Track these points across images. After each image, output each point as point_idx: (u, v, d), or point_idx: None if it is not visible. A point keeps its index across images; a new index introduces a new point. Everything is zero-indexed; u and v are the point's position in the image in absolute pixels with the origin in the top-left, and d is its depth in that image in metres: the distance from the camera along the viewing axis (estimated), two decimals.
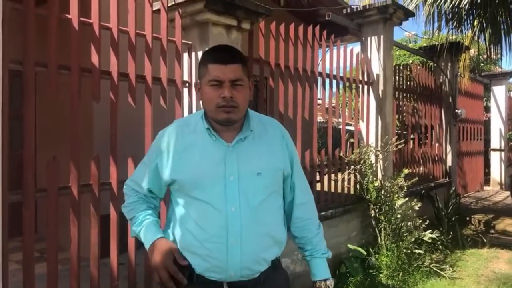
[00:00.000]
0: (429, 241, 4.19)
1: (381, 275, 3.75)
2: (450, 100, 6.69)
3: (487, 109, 10.50)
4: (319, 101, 4.52)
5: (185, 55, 2.87)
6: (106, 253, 2.37)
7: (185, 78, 2.84)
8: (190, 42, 2.86)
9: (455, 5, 5.11)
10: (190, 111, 2.85)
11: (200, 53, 2.83)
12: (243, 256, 1.31)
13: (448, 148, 6.73)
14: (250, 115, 1.42)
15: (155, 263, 1.31)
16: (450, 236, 4.76)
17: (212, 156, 1.34)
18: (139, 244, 2.45)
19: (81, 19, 2.23)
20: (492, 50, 5.68)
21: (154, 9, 2.59)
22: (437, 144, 6.54)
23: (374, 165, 4.38)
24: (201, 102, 1.39)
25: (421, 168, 5.97)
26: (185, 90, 2.85)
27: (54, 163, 2.13)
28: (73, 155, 2.21)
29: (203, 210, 1.31)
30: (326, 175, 4.01)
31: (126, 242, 2.42)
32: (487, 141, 9.55)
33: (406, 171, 4.43)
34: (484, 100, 9.73)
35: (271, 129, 1.46)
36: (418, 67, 6.12)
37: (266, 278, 1.37)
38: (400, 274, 3.75)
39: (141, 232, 1.41)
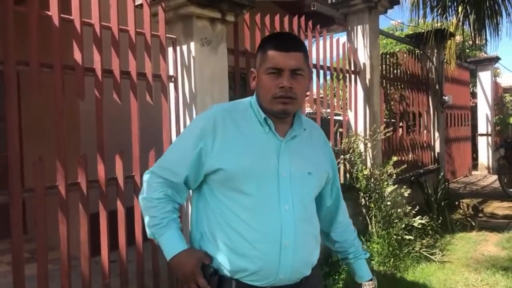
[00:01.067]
0: (419, 226, 4.26)
1: (372, 262, 3.80)
2: (437, 87, 6.74)
3: (473, 95, 10.61)
4: (307, 92, 4.53)
5: (170, 49, 2.84)
6: (96, 251, 2.36)
7: (171, 72, 2.82)
8: (174, 36, 2.83)
9: None
10: (177, 105, 2.83)
11: (185, 47, 2.80)
12: (295, 258, 1.23)
13: (436, 134, 6.80)
14: (300, 112, 1.35)
15: (184, 276, 1.23)
16: (440, 221, 4.84)
17: (264, 148, 1.25)
18: (130, 241, 2.47)
19: (62, 15, 2.20)
20: (476, 36, 5.73)
21: (136, 3, 2.55)
22: (425, 131, 6.61)
23: (363, 153, 4.41)
24: (255, 90, 1.32)
25: (410, 155, 6.03)
26: (171, 85, 2.83)
27: (40, 163, 2.10)
28: (59, 154, 2.19)
29: (254, 206, 1.21)
30: None
31: (116, 240, 2.41)
32: (474, 127, 9.68)
33: (395, 158, 4.48)
34: (470, 86, 9.84)
35: (315, 132, 1.43)
36: (405, 55, 6.16)
37: (306, 279, 1.32)
38: (391, 260, 3.81)
39: (162, 238, 1.27)
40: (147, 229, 1.32)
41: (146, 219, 1.31)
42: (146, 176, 1.35)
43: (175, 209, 1.32)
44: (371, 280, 1.50)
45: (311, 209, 1.35)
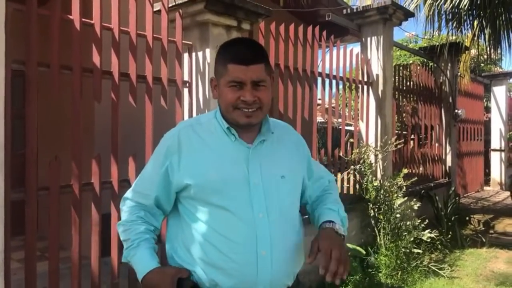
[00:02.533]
0: (428, 240, 4.21)
1: (380, 274, 3.77)
2: (450, 100, 6.70)
3: (487, 110, 10.50)
4: (319, 101, 4.54)
5: (186, 55, 2.89)
6: (106, 252, 2.39)
7: (186, 78, 2.86)
8: (190, 43, 2.88)
9: (455, 5, 5.13)
10: (190, 111, 2.87)
11: (200, 54, 2.85)
12: (273, 268, 1.19)
13: (448, 148, 6.74)
14: (267, 116, 1.31)
15: None
16: (449, 235, 4.78)
17: (232, 158, 1.23)
18: None
19: (83, 19, 2.26)
20: (492, 50, 5.70)
21: (154, 9, 2.61)
22: (437, 144, 6.56)
23: (373, 165, 4.40)
24: (217, 100, 1.28)
25: (420, 168, 5.98)
26: (186, 90, 2.87)
27: (55, 162, 2.15)
28: (74, 154, 2.23)
29: (226, 217, 1.18)
30: None
31: None
32: (487, 142, 9.56)
33: (405, 171, 4.45)
34: (484, 100, 9.74)
35: (286, 132, 1.39)
36: (418, 67, 6.14)
37: None
38: (399, 274, 3.77)
39: (133, 259, 1.24)
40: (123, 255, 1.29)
41: (124, 245, 1.28)
42: (122, 203, 1.34)
43: (149, 230, 1.28)
44: (331, 222, 1.27)
45: (291, 215, 1.28)
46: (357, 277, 3.61)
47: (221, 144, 1.24)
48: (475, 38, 5.64)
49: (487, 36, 5.48)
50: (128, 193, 1.34)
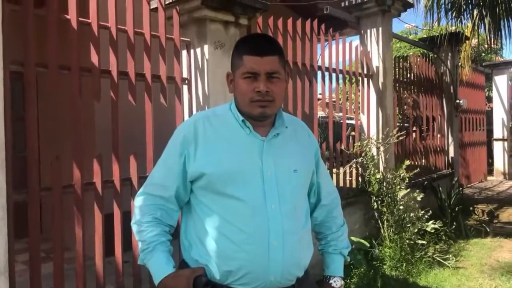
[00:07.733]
0: (432, 231, 4.21)
1: (384, 266, 3.77)
2: (452, 90, 6.67)
3: (489, 99, 10.46)
4: (319, 95, 4.52)
5: (184, 52, 2.88)
6: (110, 251, 2.39)
7: (185, 75, 2.86)
8: (188, 39, 2.87)
9: None
10: (190, 107, 2.86)
11: (198, 50, 2.84)
12: (284, 258, 1.21)
13: (450, 138, 6.72)
14: (281, 111, 1.34)
15: None
16: (454, 226, 4.77)
17: (246, 150, 1.25)
18: None
19: (80, 19, 2.25)
20: (492, 39, 5.66)
21: (151, 7, 2.60)
22: (439, 135, 6.54)
23: (375, 157, 4.39)
24: (233, 94, 1.30)
25: (423, 160, 5.97)
26: (185, 87, 2.86)
27: (57, 162, 2.15)
28: (76, 154, 2.23)
29: (239, 208, 1.20)
30: (328, 169, 4.02)
31: (130, 241, 2.44)
32: (490, 131, 9.53)
33: (407, 162, 4.44)
34: (486, 90, 9.70)
35: (300, 128, 1.41)
36: (418, 59, 6.11)
37: (300, 285, 1.29)
38: (404, 265, 3.77)
39: (149, 263, 1.25)
40: (138, 257, 1.30)
41: (138, 245, 1.30)
42: (137, 200, 1.33)
43: (165, 232, 1.29)
44: (340, 277, 1.44)
45: (302, 208, 1.32)
46: (362, 269, 3.62)
47: (235, 136, 1.27)
48: (475, 28, 5.60)
49: (487, 25, 5.44)
50: (146, 188, 1.33)
